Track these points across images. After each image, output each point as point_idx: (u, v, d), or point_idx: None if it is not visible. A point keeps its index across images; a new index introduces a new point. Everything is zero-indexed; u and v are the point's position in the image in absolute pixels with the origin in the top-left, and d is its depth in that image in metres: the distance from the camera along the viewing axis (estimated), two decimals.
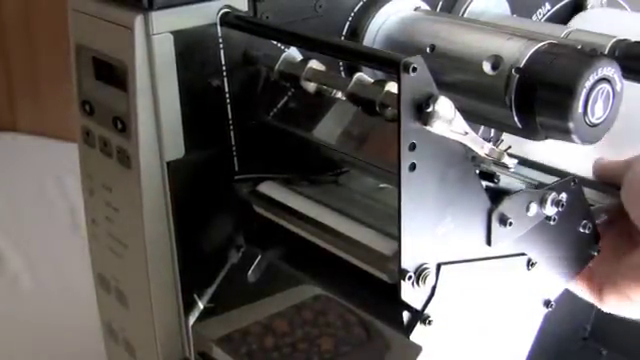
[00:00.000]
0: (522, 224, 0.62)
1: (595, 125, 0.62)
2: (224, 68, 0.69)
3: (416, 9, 0.76)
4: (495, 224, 0.61)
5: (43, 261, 1.35)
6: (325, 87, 0.67)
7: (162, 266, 0.72)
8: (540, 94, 0.61)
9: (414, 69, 0.54)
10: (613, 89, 0.62)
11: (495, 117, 0.66)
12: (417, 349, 0.60)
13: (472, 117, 0.68)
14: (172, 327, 0.74)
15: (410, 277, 0.58)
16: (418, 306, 0.60)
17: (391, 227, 0.59)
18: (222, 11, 0.68)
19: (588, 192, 0.68)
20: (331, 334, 0.67)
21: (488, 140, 0.60)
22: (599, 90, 0.60)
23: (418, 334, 0.60)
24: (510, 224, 0.61)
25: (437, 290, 0.60)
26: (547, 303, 0.67)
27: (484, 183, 0.61)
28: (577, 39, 0.72)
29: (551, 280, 0.67)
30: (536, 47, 0.63)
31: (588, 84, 0.60)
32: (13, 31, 1.83)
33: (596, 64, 0.60)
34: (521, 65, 0.62)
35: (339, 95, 0.66)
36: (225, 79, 0.69)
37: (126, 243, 0.74)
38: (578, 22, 0.86)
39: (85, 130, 0.74)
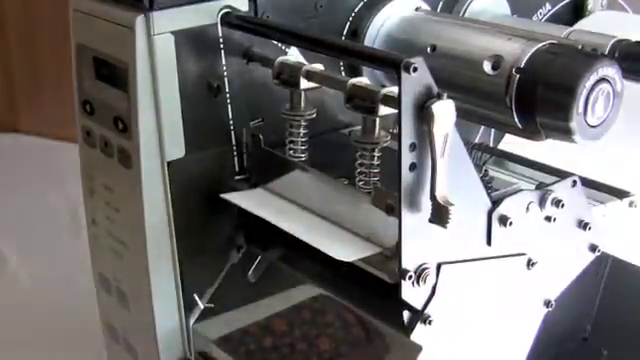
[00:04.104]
0: (522, 224, 0.63)
1: (595, 125, 0.62)
2: (224, 68, 0.69)
3: (417, 9, 0.76)
4: (495, 224, 0.61)
5: (43, 261, 1.35)
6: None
7: (162, 266, 0.72)
8: (540, 94, 0.61)
9: (415, 69, 0.54)
10: (613, 89, 0.62)
11: (495, 117, 0.66)
12: (417, 349, 0.60)
13: (473, 117, 0.68)
14: (172, 327, 0.74)
15: (410, 277, 0.58)
16: (418, 306, 0.60)
17: (392, 227, 0.59)
18: (223, 11, 0.68)
19: (588, 192, 0.68)
20: (331, 334, 0.67)
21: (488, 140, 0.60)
22: (599, 90, 0.61)
23: (418, 334, 0.60)
24: (510, 224, 0.61)
25: (437, 290, 0.60)
26: (547, 303, 0.67)
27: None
28: (577, 39, 0.72)
29: (551, 280, 0.67)
30: (536, 47, 0.63)
31: (588, 84, 0.60)
32: (13, 32, 1.83)
33: (596, 64, 0.60)
34: (522, 65, 0.63)
35: None
36: (225, 79, 0.69)
37: (126, 243, 0.74)
38: (583, 25, 0.86)
39: (86, 130, 0.74)
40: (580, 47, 0.65)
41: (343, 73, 0.75)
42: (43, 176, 1.65)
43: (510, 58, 0.63)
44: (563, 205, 0.64)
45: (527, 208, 0.63)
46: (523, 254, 0.64)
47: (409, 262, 0.58)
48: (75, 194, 0.83)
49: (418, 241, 0.58)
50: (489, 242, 0.62)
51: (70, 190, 1.55)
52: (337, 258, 0.60)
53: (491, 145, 0.81)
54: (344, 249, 0.61)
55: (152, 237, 0.71)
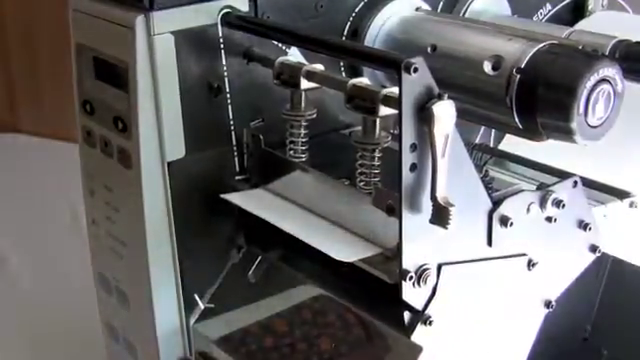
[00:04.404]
0: (523, 225, 0.62)
1: (596, 126, 0.62)
2: (225, 68, 0.69)
3: (417, 9, 0.76)
4: (496, 225, 0.61)
5: (43, 261, 1.35)
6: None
7: (163, 266, 0.72)
8: (541, 94, 0.61)
9: (415, 70, 0.54)
10: (614, 89, 0.62)
11: (496, 117, 0.66)
12: (418, 349, 0.60)
13: (473, 117, 0.68)
14: (172, 327, 0.74)
15: (411, 277, 0.58)
16: (419, 306, 0.60)
17: (392, 228, 0.59)
18: (223, 11, 0.68)
19: (589, 193, 0.68)
20: (331, 334, 0.67)
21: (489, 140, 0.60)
22: (600, 91, 0.60)
23: (419, 334, 0.60)
24: (511, 225, 0.61)
25: (438, 290, 0.60)
26: (547, 303, 0.67)
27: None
28: (578, 40, 0.72)
29: (551, 280, 0.67)
30: (537, 47, 0.63)
31: (589, 85, 0.60)
32: (14, 32, 1.83)
33: (597, 65, 0.60)
34: (522, 65, 0.62)
35: None
36: (226, 79, 0.69)
37: (126, 243, 0.74)
38: (583, 25, 0.86)
39: (86, 130, 0.74)
40: (581, 47, 0.65)
41: (343, 73, 0.75)
42: (43, 176, 1.65)
43: (511, 58, 0.63)
44: (564, 206, 0.64)
45: (528, 209, 0.63)
46: (524, 255, 0.64)
47: (410, 263, 0.58)
48: (75, 194, 0.83)
49: (419, 242, 0.58)
50: (490, 243, 0.62)
51: (70, 190, 1.55)
52: (337, 258, 0.60)
53: (491, 145, 0.81)
54: (344, 249, 0.61)
55: (152, 237, 0.71)
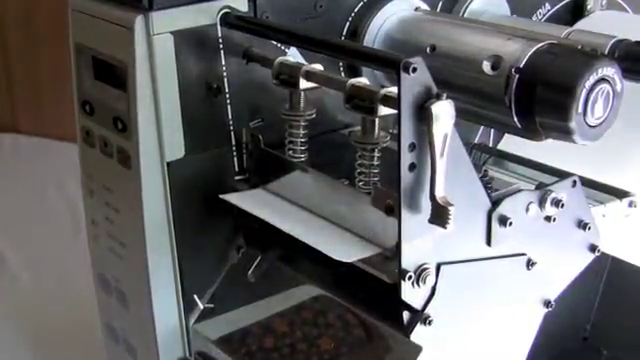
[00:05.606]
0: (522, 224, 0.62)
1: (595, 125, 0.62)
2: (224, 68, 0.69)
3: (416, 9, 0.76)
4: (495, 224, 0.61)
5: (43, 261, 1.35)
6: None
7: (162, 266, 0.72)
8: (540, 94, 0.61)
9: (414, 69, 0.54)
10: (613, 89, 0.62)
11: (495, 117, 0.66)
12: (417, 349, 0.60)
13: (472, 117, 0.68)
14: (172, 327, 0.74)
15: (410, 277, 0.58)
16: (418, 306, 0.60)
17: (392, 227, 0.59)
18: (222, 11, 0.68)
19: (588, 192, 0.68)
20: (331, 334, 0.67)
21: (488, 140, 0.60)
22: (599, 90, 0.60)
23: (418, 334, 0.60)
24: (510, 224, 0.61)
25: (437, 290, 0.60)
26: (547, 303, 0.67)
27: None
28: (577, 39, 0.72)
29: (551, 280, 0.67)
30: (536, 47, 0.63)
31: (588, 84, 0.60)
32: (14, 32, 1.83)
33: (596, 64, 0.60)
34: (521, 65, 0.62)
35: None
36: (225, 79, 0.69)
37: (126, 243, 0.74)
38: (583, 25, 0.86)
39: (85, 130, 0.74)
40: (580, 47, 0.65)
41: (343, 73, 0.75)
42: (43, 176, 1.65)
43: (509, 58, 0.63)
44: (563, 205, 0.64)
45: (527, 208, 0.63)
46: (523, 254, 0.64)
47: (409, 262, 0.58)
48: (75, 194, 0.83)
49: (418, 241, 0.58)
50: (489, 242, 0.62)
51: (70, 190, 1.55)
52: (336, 259, 0.60)
53: (491, 145, 0.81)
54: (344, 250, 0.61)
55: (152, 237, 0.71)
